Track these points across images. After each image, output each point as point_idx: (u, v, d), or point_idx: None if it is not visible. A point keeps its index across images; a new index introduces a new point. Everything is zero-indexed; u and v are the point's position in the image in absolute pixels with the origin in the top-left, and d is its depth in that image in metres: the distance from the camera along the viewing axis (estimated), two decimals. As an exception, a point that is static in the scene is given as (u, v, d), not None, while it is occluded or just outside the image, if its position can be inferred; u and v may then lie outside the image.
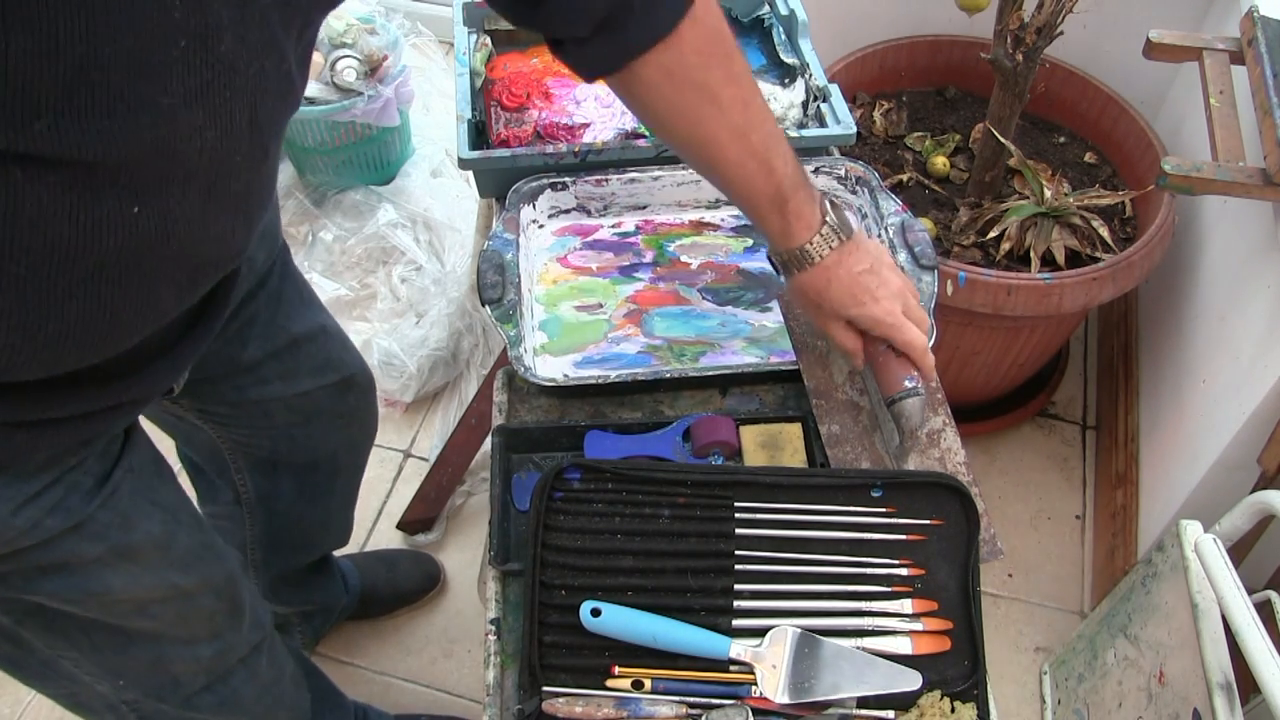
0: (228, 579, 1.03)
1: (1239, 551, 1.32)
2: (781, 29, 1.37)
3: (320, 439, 1.25)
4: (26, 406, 0.71)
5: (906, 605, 0.86)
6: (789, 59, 1.33)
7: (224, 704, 1.10)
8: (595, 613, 0.80)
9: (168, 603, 0.96)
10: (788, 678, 0.81)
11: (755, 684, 0.81)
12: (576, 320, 1.10)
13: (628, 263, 1.16)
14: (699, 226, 1.20)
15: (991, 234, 1.67)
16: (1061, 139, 1.90)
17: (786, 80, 1.33)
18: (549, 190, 1.17)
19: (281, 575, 1.47)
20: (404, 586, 1.75)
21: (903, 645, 0.84)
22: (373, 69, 2.04)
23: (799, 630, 0.83)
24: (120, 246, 0.63)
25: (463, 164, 1.15)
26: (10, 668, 1.00)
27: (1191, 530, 1.22)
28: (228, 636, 1.07)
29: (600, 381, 1.00)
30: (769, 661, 0.81)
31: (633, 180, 1.17)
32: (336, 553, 1.68)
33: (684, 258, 1.17)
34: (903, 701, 0.82)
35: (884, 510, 0.88)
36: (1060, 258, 1.64)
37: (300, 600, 1.56)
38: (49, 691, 1.03)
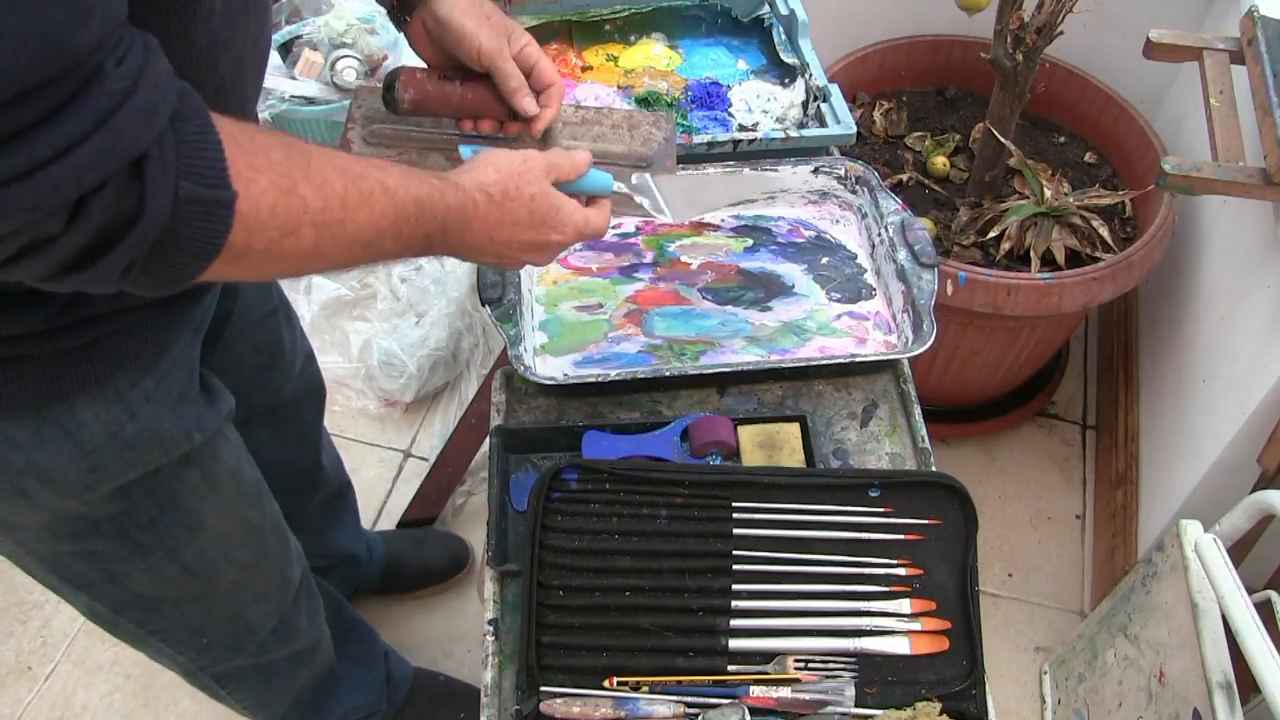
0: (278, 514, 1.10)
1: (1239, 551, 1.32)
2: (781, 29, 1.37)
3: (281, 380, 1.25)
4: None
5: (905, 605, 0.86)
6: (789, 59, 1.33)
7: (286, 638, 1.19)
8: None
9: (245, 543, 1.03)
10: None
11: (751, 684, 0.81)
12: (577, 320, 1.10)
13: (628, 263, 1.16)
14: (699, 227, 1.20)
15: (991, 234, 1.67)
16: (1061, 139, 1.90)
17: (786, 80, 1.33)
18: (548, 190, 1.16)
19: (292, 519, 1.45)
20: (433, 564, 1.75)
21: (901, 645, 0.84)
22: (373, 69, 2.04)
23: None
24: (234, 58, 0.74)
25: (462, 164, 1.14)
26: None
27: (1191, 530, 1.22)
28: (288, 573, 1.15)
29: (600, 379, 1.00)
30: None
31: (632, 180, 1.17)
32: (369, 528, 1.71)
33: (684, 258, 1.17)
34: (899, 702, 0.82)
35: (882, 510, 0.88)
36: (1060, 258, 1.64)
37: (317, 551, 1.49)
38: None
